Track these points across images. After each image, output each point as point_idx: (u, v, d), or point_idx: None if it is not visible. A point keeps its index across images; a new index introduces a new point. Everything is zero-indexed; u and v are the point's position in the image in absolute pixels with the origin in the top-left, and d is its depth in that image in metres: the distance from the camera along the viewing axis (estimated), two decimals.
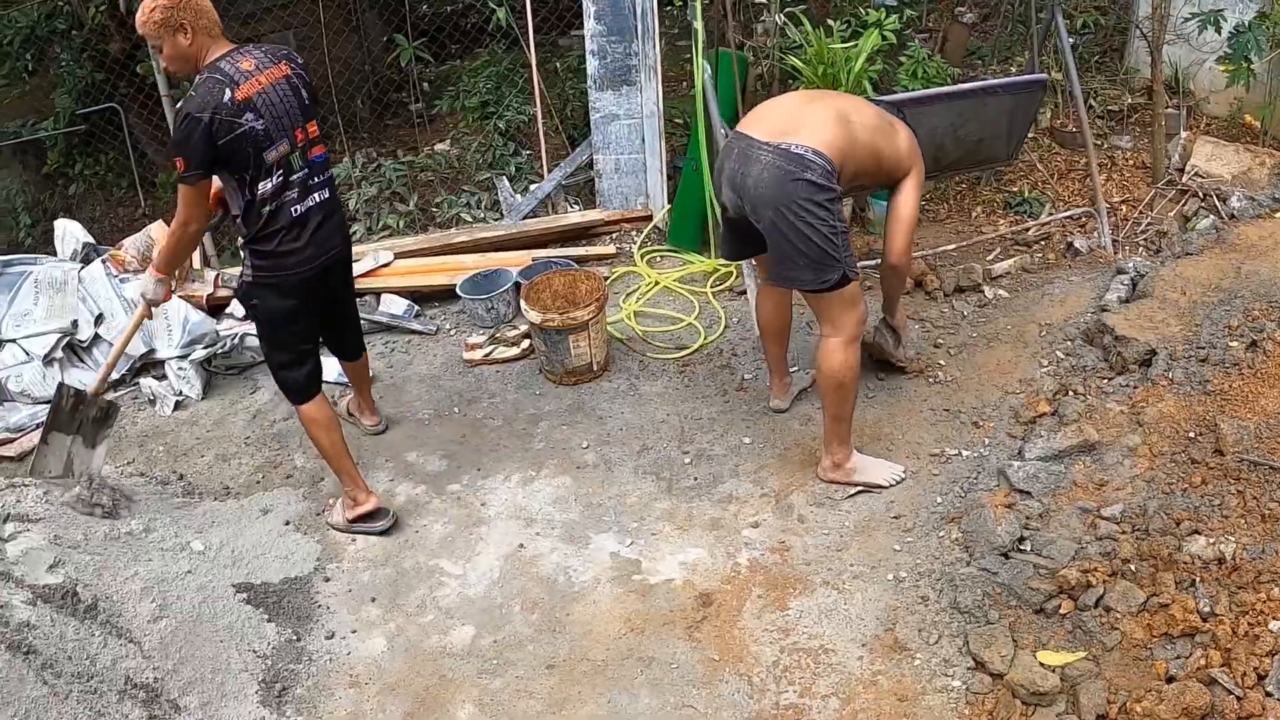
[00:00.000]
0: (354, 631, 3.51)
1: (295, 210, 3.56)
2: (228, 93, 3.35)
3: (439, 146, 7.21)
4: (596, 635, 3.33)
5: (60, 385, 4.34)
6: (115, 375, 4.31)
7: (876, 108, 3.69)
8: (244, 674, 3.34)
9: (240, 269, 3.75)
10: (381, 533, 3.91)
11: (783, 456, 3.96)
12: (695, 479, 3.92)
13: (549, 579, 3.59)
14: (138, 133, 7.85)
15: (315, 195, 3.63)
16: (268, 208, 3.51)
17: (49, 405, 4.58)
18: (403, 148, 7.55)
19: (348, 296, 4.13)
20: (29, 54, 9.24)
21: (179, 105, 3.50)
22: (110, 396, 4.21)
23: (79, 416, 4.16)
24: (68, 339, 5.62)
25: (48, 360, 5.54)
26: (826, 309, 3.52)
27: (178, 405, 5.11)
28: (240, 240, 3.71)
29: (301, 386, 3.84)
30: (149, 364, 5.35)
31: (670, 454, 4.08)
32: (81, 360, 5.66)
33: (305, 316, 3.78)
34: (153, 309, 3.91)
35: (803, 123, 3.42)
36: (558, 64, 7.12)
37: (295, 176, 3.56)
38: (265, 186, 3.48)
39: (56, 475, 4.04)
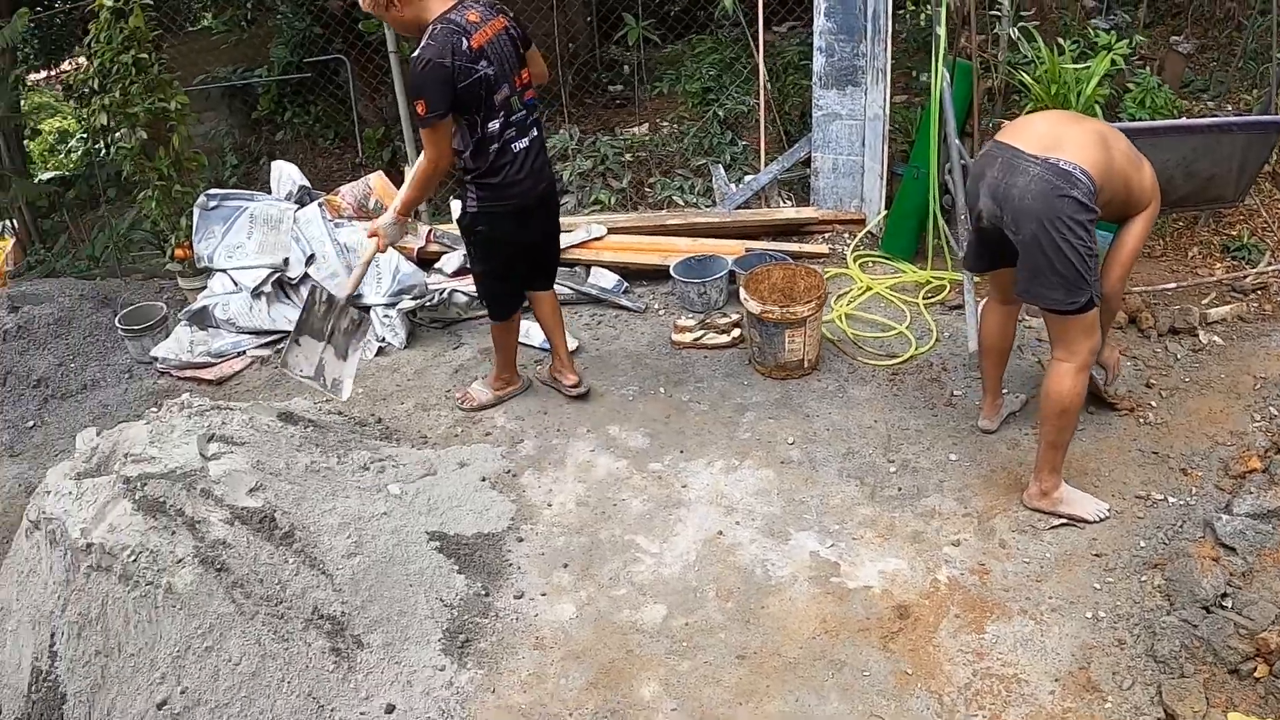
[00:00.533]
0: (543, 595, 3.66)
1: (515, 147, 4.07)
2: (464, 41, 3.78)
3: (636, 130, 7.33)
4: (790, 632, 3.40)
5: (313, 287, 4.58)
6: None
7: (1128, 139, 3.64)
8: (429, 620, 3.51)
9: (463, 202, 4.21)
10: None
11: (988, 478, 3.95)
12: (899, 489, 3.95)
13: (746, 569, 3.67)
14: (347, 88, 8.16)
15: (531, 132, 4.13)
16: (494, 145, 4.00)
17: (253, 333, 4.87)
18: (602, 129, 7.70)
19: (554, 230, 4.57)
20: (249, 3, 9.77)
21: (416, 54, 3.83)
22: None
23: (329, 323, 4.36)
24: (278, 275, 5.96)
25: (256, 293, 5.90)
26: (1065, 332, 3.49)
27: (380, 351, 5.39)
28: (467, 175, 4.12)
29: (505, 304, 4.52)
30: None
31: (875, 461, 4.12)
32: (288, 296, 5.99)
33: (517, 241, 4.32)
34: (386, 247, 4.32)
35: (1068, 140, 3.38)
36: (776, 58, 7.15)
37: (515, 117, 4.04)
38: (492, 126, 3.97)
39: (308, 375, 4.27)
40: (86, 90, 6.18)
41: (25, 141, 9.46)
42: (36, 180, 9.92)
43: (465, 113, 3.92)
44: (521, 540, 3.92)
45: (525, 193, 4.16)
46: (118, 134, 6.22)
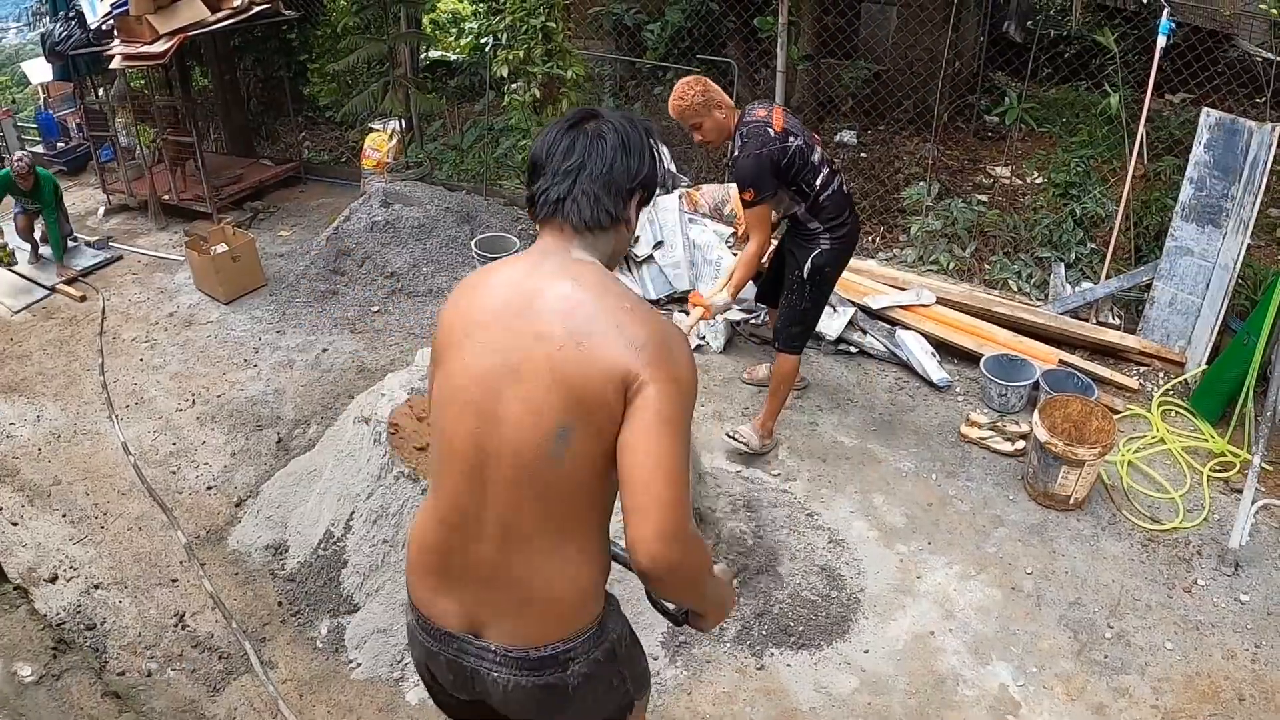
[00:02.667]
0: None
1: (844, 190, 4.93)
2: (770, 130, 4.65)
3: (999, 170, 7.43)
4: None
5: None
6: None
7: None
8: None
9: (811, 252, 4.91)
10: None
11: (1190, 680, 4.09)
12: (1105, 656, 4.19)
13: (940, 676, 4.09)
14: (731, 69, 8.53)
15: (841, 176, 4.97)
16: (825, 195, 4.81)
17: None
18: (969, 159, 7.82)
19: None
20: None
21: (740, 157, 4.72)
22: None
23: None
24: (627, 251, 6.67)
25: None
26: None
27: (697, 348, 5.99)
28: (812, 229, 4.90)
29: (806, 340, 5.24)
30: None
31: (1096, 620, 4.35)
32: (629, 271, 6.65)
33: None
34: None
35: None
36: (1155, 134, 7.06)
37: (834, 166, 4.90)
38: (818, 181, 4.79)
39: None
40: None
41: (423, 18, 10.39)
42: (424, 58, 11.07)
43: (794, 183, 4.77)
44: None
45: (855, 231, 5.05)
46: (514, 85, 7.02)
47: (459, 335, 2.27)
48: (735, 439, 5.21)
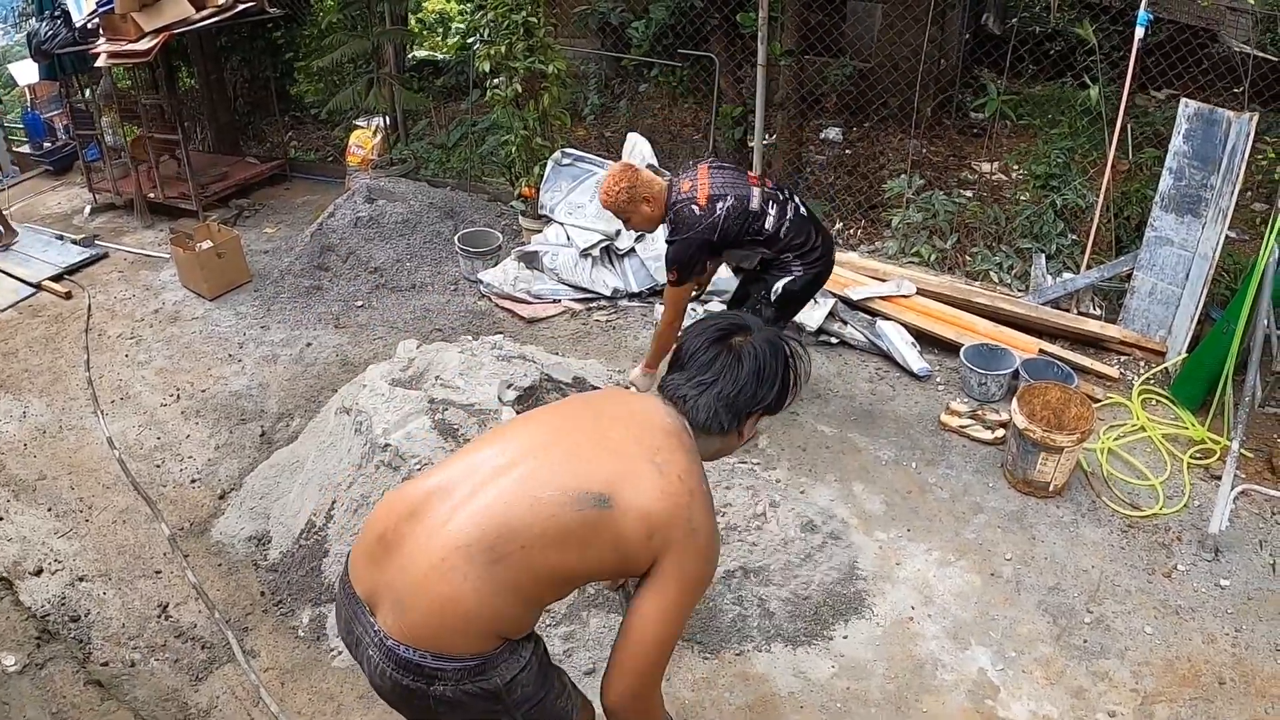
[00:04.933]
0: None
1: (801, 212, 4.87)
2: (694, 209, 4.63)
3: (984, 166, 7.45)
4: None
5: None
6: None
7: None
8: None
9: (782, 279, 4.89)
10: None
11: (1170, 664, 4.09)
12: (1084, 641, 4.20)
13: (918, 661, 4.10)
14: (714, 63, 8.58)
15: (794, 201, 4.89)
16: (783, 229, 4.76)
17: (572, 286, 5.65)
18: (953, 155, 7.84)
19: None
20: None
21: (669, 240, 4.77)
22: None
23: None
24: (608, 243, 6.69)
25: (584, 253, 6.67)
26: None
27: None
28: (784, 260, 4.87)
29: None
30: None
31: (1075, 605, 4.37)
32: (612, 264, 6.71)
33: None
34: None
35: None
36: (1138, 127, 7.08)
37: (780, 197, 4.83)
38: (766, 224, 4.75)
39: None
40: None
41: (408, 15, 10.57)
42: (410, 57, 11.13)
43: (740, 242, 4.79)
44: None
45: (828, 253, 5.01)
46: (496, 80, 7.07)
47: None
48: None
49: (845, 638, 4.21)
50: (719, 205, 4.67)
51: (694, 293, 5.23)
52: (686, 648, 4.12)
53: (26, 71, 10.27)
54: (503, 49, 6.74)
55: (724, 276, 5.91)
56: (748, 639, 4.16)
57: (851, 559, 4.57)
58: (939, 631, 4.25)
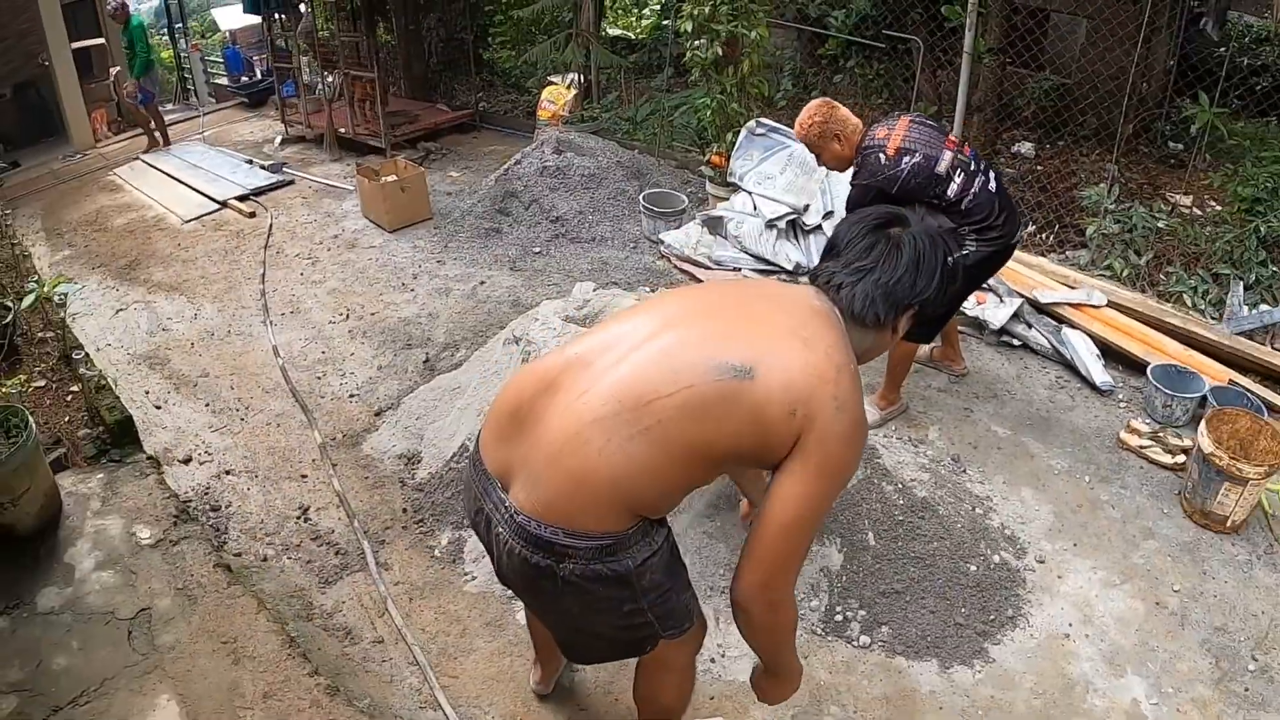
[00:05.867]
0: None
1: (991, 188, 4.64)
2: (882, 156, 4.49)
3: (1180, 199, 7.04)
4: None
5: None
6: None
7: None
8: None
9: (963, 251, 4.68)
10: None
11: None
12: (1246, 689, 3.91)
13: (1070, 681, 3.88)
14: (915, 55, 8.39)
15: (986, 175, 4.67)
16: (966, 200, 4.57)
17: (754, 256, 5.50)
18: (1148, 183, 7.44)
19: None
20: None
21: (851, 183, 4.65)
22: None
23: None
24: (795, 216, 6.53)
25: (770, 224, 6.52)
26: None
27: None
28: (962, 237, 4.67)
29: (934, 333, 5.33)
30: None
31: (1240, 650, 4.08)
32: (796, 238, 6.56)
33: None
34: None
35: None
36: None
37: (971, 167, 4.63)
38: (949, 191, 4.55)
39: None
40: None
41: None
42: (604, 33, 11.18)
43: (921, 200, 4.58)
44: None
45: (1012, 233, 4.77)
46: (697, 42, 7.00)
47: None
48: None
49: (997, 644, 4.02)
50: (905, 160, 4.52)
51: None
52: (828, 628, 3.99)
53: (229, 17, 10.78)
54: (706, 9, 6.68)
55: None
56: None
57: (1012, 565, 4.37)
58: (1095, 654, 4.02)
